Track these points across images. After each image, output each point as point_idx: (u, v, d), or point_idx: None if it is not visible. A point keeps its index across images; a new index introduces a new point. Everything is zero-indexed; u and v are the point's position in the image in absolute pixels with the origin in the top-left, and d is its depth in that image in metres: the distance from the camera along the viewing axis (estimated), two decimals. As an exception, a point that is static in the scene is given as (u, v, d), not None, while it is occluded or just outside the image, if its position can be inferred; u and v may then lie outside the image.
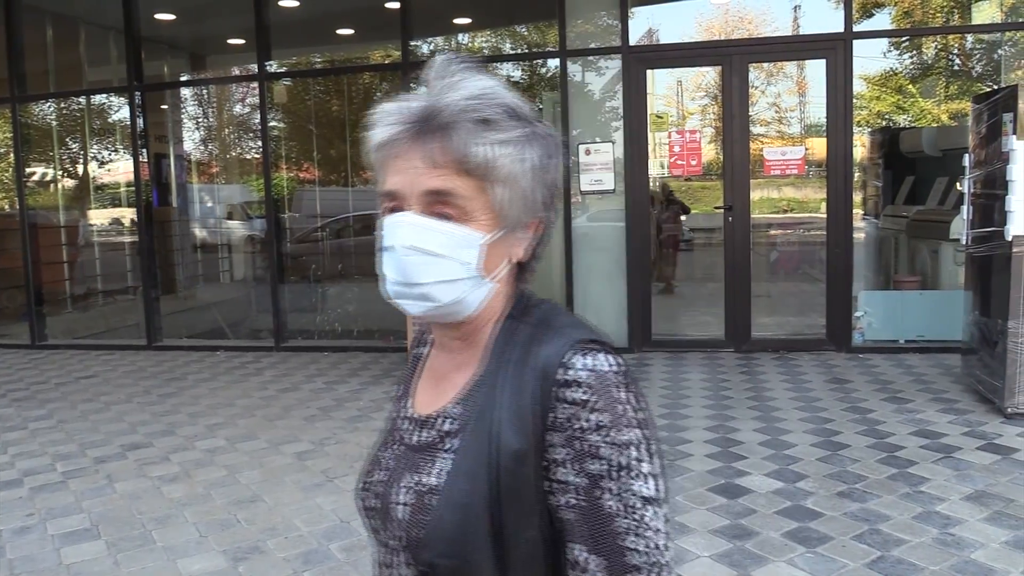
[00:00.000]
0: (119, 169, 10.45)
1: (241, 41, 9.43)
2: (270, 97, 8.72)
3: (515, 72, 9.38)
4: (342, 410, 5.95)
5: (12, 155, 9.15)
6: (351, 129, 9.60)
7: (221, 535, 3.87)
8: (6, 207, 10.05)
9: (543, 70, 9.24)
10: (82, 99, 10.48)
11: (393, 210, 0.96)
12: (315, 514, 4.07)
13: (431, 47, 9.38)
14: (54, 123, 10.60)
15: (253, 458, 4.96)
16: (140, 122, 8.73)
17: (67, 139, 10.82)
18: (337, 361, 7.64)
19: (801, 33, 8.18)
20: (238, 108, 10.50)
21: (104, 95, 10.43)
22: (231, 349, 8.32)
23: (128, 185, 9.26)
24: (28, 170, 9.73)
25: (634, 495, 0.89)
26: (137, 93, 8.63)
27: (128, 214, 9.56)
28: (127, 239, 9.75)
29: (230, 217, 10.45)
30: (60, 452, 5.21)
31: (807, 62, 9.66)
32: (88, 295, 10.30)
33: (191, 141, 10.85)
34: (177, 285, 9.88)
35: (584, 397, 0.89)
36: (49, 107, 10.47)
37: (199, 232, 10.48)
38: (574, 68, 7.71)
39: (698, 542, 3.60)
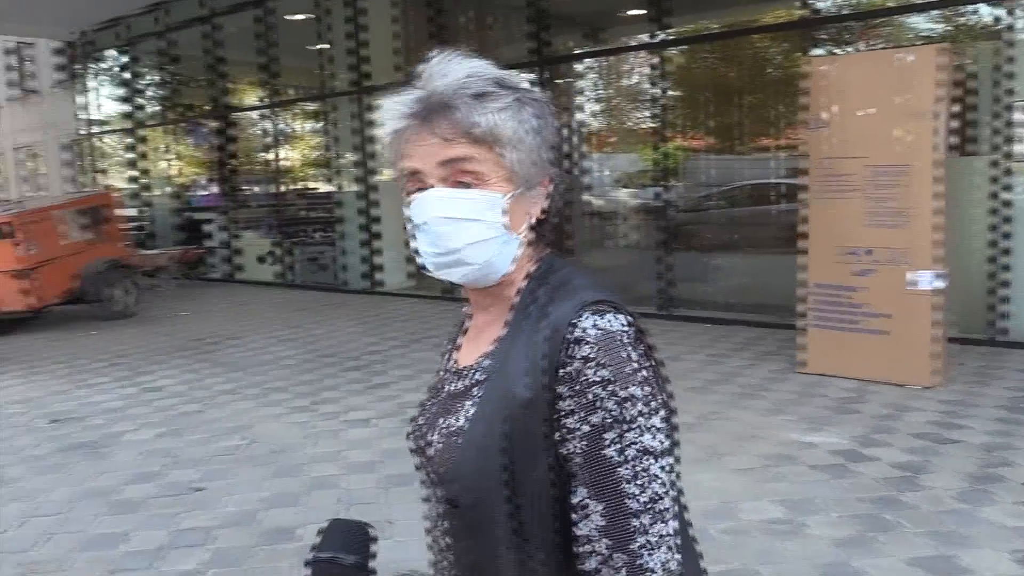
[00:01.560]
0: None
1: (638, 12, 9.50)
2: (665, 66, 8.70)
3: (932, 24, 8.27)
4: (728, 385, 5.77)
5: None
6: (744, 95, 9.24)
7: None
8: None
9: (971, 19, 8.02)
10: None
11: (414, 191, 1.05)
12: (697, 491, 3.96)
13: (833, 1, 8.63)
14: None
15: (637, 425, 5.00)
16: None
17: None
18: (724, 334, 7.46)
19: None
20: (632, 78, 10.64)
21: (514, 71, 11.22)
22: (618, 314, 8.52)
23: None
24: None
25: (634, 445, 0.95)
26: (543, 68, 9.15)
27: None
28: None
29: (622, 185, 10.69)
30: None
31: None
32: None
33: (588, 112, 11.26)
34: (571, 250, 10.37)
35: (591, 353, 0.96)
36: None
37: (592, 200, 10.88)
38: (1018, 13, 6.56)
39: None
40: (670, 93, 8.98)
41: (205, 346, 8.01)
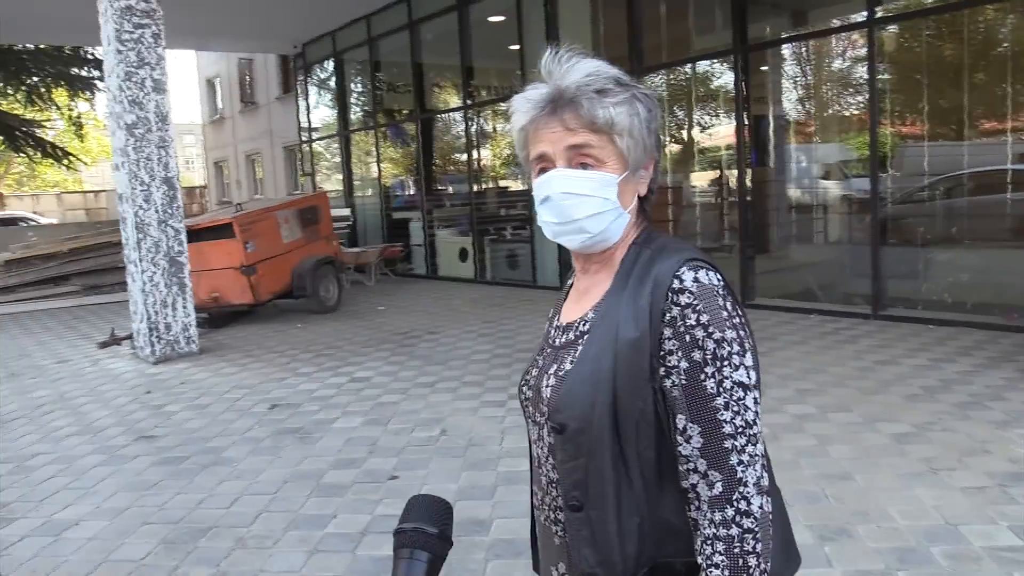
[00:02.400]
0: (720, 133, 10.82)
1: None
2: (877, 47, 8.06)
3: None
4: (950, 393, 5.25)
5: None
6: (969, 73, 8.39)
7: (808, 508, 3.68)
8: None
9: None
10: (689, 67, 11.06)
11: (542, 171, 1.23)
12: (914, 507, 3.62)
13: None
14: (664, 93, 11.43)
15: (845, 432, 4.65)
16: (743, 85, 8.86)
17: (673, 107, 11.56)
18: (944, 336, 6.81)
19: None
20: (839, 62, 9.97)
21: (709, 61, 10.84)
22: (824, 313, 8.03)
23: (728, 148, 9.51)
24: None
25: (728, 379, 1.11)
26: (742, 56, 8.76)
27: (728, 176, 9.86)
28: (725, 199, 10.07)
29: (826, 176, 10.05)
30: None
31: None
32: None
33: (788, 101, 10.70)
34: (771, 244, 9.88)
35: (691, 301, 1.12)
36: (660, 78, 11.28)
37: (794, 192, 10.32)
38: None
39: None
40: (882, 76, 8.32)
41: (405, 339, 8.34)
